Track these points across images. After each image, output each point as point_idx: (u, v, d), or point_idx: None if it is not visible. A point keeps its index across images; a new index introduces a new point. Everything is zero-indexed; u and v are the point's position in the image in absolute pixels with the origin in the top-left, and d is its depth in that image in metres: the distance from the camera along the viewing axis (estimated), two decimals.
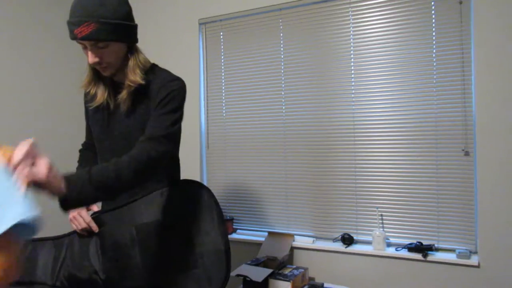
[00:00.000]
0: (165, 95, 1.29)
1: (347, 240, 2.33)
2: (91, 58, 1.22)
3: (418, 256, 2.13)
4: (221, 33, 2.79)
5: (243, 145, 2.72)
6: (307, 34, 2.50)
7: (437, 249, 2.17)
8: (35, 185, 0.93)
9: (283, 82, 2.58)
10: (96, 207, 1.38)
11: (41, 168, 0.91)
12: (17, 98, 2.77)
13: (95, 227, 1.34)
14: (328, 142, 2.45)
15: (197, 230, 1.38)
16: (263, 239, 2.53)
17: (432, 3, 2.16)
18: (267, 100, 2.64)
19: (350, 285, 2.33)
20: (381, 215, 2.31)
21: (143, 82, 1.29)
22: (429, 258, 2.11)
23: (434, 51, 2.16)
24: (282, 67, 2.58)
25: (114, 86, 1.37)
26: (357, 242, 2.37)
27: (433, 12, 2.17)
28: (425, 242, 2.18)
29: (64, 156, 3.03)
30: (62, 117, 3.06)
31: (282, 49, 2.58)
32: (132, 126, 1.33)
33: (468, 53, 2.09)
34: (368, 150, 2.34)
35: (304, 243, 2.44)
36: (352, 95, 2.37)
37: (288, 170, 2.57)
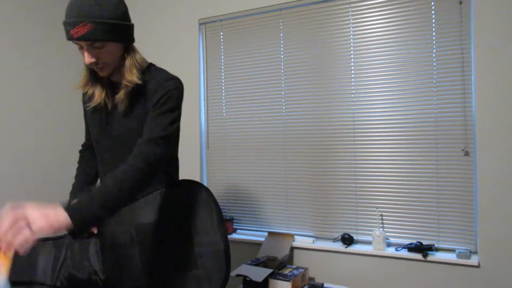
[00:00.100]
0: (162, 94, 1.29)
1: (347, 240, 2.34)
2: (88, 59, 1.22)
3: (418, 256, 2.13)
4: (221, 33, 2.79)
5: (243, 145, 2.72)
6: (307, 34, 2.50)
7: (437, 249, 2.17)
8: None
9: (283, 82, 2.58)
10: None
11: (36, 224, 0.93)
12: (17, 98, 2.77)
13: (93, 228, 1.34)
14: (328, 142, 2.45)
15: (196, 230, 1.38)
16: (263, 239, 2.53)
17: (432, 3, 2.16)
18: (267, 100, 2.64)
19: (350, 285, 2.33)
20: (381, 215, 2.31)
21: (140, 82, 1.29)
22: (429, 258, 2.11)
23: (434, 51, 2.16)
24: (282, 67, 2.58)
25: (111, 86, 1.37)
26: (357, 242, 2.37)
27: (433, 12, 2.16)
28: (425, 242, 2.18)
29: (64, 156, 3.03)
30: (63, 116, 3.06)
31: (282, 49, 2.58)
32: (130, 126, 1.33)
33: (468, 53, 2.09)
34: (368, 150, 2.34)
35: (304, 243, 2.44)
36: (352, 95, 2.37)
37: (288, 170, 2.57)
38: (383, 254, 2.23)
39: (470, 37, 2.08)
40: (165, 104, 1.29)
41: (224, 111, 2.80)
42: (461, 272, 2.06)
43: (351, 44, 2.37)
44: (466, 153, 2.10)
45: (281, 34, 2.58)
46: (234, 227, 2.75)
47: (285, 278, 2.09)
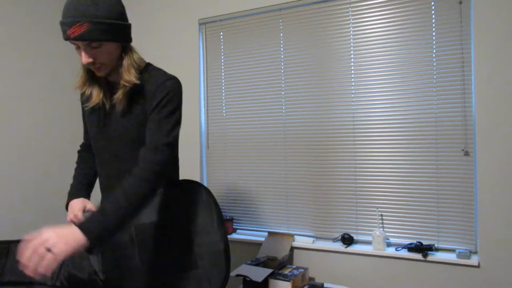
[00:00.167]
0: (162, 96, 1.29)
1: (347, 240, 2.34)
2: (85, 59, 1.21)
3: (418, 256, 2.13)
4: (221, 33, 2.79)
5: (243, 145, 2.72)
6: (307, 34, 2.50)
7: (437, 249, 2.17)
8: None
9: (283, 82, 2.58)
10: (94, 207, 1.38)
11: (57, 247, 0.97)
12: (17, 98, 2.77)
13: None
14: (328, 142, 2.45)
15: (196, 230, 1.38)
16: (263, 239, 2.53)
17: (432, 3, 2.16)
18: (267, 100, 2.64)
19: (350, 285, 2.33)
20: (381, 215, 2.31)
21: (138, 82, 1.29)
22: (429, 258, 2.11)
23: (434, 51, 2.16)
24: (282, 67, 2.58)
25: (109, 86, 1.36)
26: (357, 242, 2.37)
27: (433, 12, 2.16)
28: (425, 242, 2.18)
29: (64, 156, 3.03)
30: (62, 116, 3.06)
31: (282, 49, 2.58)
32: (128, 126, 1.33)
33: (468, 53, 2.09)
34: (368, 150, 2.34)
35: (304, 243, 2.44)
36: (352, 95, 2.37)
37: (288, 170, 2.57)
38: (383, 254, 2.23)
39: (470, 37, 2.08)
40: (166, 107, 1.29)
41: (224, 111, 2.80)
42: (461, 272, 2.06)
43: (351, 44, 2.37)
44: (466, 153, 2.10)
45: (281, 34, 2.58)
46: (234, 227, 2.75)
47: (285, 278, 2.09)
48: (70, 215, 1.35)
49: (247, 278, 2.05)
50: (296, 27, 2.53)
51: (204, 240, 1.36)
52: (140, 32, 3.07)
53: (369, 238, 2.33)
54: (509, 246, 1.97)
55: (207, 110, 2.86)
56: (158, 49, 3.01)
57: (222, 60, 2.79)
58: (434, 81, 2.17)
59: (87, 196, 1.46)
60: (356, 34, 2.35)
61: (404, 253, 2.18)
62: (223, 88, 2.80)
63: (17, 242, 1.40)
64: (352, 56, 2.37)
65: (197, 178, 2.85)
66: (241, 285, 2.15)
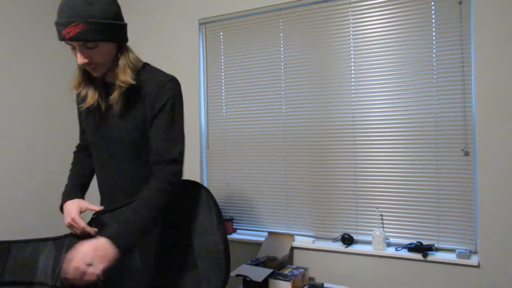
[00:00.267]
0: (165, 100, 1.29)
1: (347, 240, 2.34)
2: (80, 59, 1.20)
3: (418, 256, 2.13)
4: (221, 33, 2.79)
5: (243, 145, 2.72)
6: (307, 34, 2.50)
7: (437, 249, 2.17)
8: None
9: (283, 82, 2.58)
10: (97, 207, 1.37)
11: (97, 263, 1.07)
12: (17, 98, 2.77)
13: (92, 230, 1.33)
14: (328, 142, 2.45)
15: (196, 230, 1.37)
16: (263, 239, 2.53)
17: (432, 3, 2.16)
18: (267, 100, 2.64)
19: (350, 285, 2.33)
20: (381, 215, 2.31)
21: (133, 82, 1.27)
22: (429, 258, 2.11)
23: (434, 51, 2.16)
24: (282, 67, 2.58)
25: (105, 87, 1.35)
26: (357, 242, 2.37)
27: (433, 12, 2.16)
28: (425, 242, 2.18)
29: (64, 156, 3.03)
30: (63, 117, 3.06)
31: (282, 49, 2.58)
32: (127, 127, 1.32)
33: (468, 53, 2.09)
34: (368, 150, 2.34)
35: (304, 243, 2.44)
36: (352, 95, 2.37)
37: (288, 170, 2.57)
38: (383, 254, 2.23)
39: (470, 37, 2.08)
40: (171, 111, 1.29)
41: (224, 111, 2.80)
42: (461, 272, 2.06)
43: (351, 44, 2.37)
44: (466, 153, 2.10)
45: (281, 34, 2.58)
46: (234, 227, 2.75)
47: (285, 278, 2.09)
48: (68, 218, 1.34)
49: (247, 278, 2.05)
50: (296, 27, 2.53)
51: (204, 240, 1.36)
52: (140, 32, 3.07)
53: (369, 238, 2.33)
54: (509, 246, 1.97)
55: (207, 110, 2.86)
56: (158, 49, 3.01)
57: (222, 60, 2.79)
58: (434, 81, 2.17)
59: (82, 196, 1.46)
60: (356, 34, 2.35)
61: (404, 253, 2.18)
62: (223, 88, 2.80)
63: (17, 242, 1.39)
64: (352, 56, 2.37)
65: (197, 178, 2.85)
66: (241, 285, 2.15)
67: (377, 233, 2.24)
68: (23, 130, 2.79)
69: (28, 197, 2.81)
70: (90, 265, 1.06)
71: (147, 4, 3.07)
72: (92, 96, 1.33)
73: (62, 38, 1.16)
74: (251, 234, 2.65)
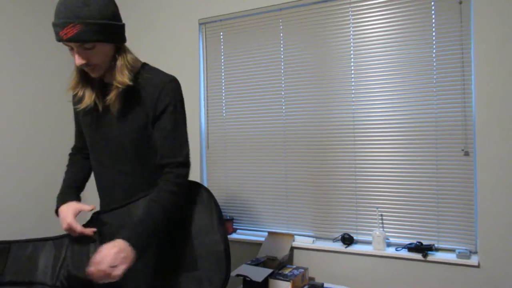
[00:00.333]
0: (167, 102, 1.29)
1: (347, 240, 2.33)
2: (78, 60, 1.19)
3: (418, 256, 2.13)
4: (221, 33, 2.79)
5: (243, 145, 2.72)
6: (307, 34, 2.50)
7: (437, 249, 2.17)
8: None
9: (283, 82, 2.58)
10: (89, 207, 1.36)
11: (121, 264, 1.12)
12: (17, 98, 2.77)
13: (89, 232, 1.32)
14: (328, 142, 2.45)
15: (196, 230, 1.37)
16: (263, 239, 2.53)
17: (432, 3, 2.16)
18: (267, 100, 2.64)
19: (350, 285, 2.33)
20: (381, 215, 2.31)
21: (130, 83, 1.27)
22: (429, 258, 2.11)
23: (434, 51, 2.16)
24: (282, 67, 2.58)
25: (103, 88, 1.34)
26: (357, 242, 2.37)
27: (433, 12, 2.16)
28: (425, 242, 2.18)
29: (64, 156, 3.03)
30: (63, 117, 3.06)
31: (282, 49, 2.58)
32: (126, 128, 1.31)
33: (468, 53, 2.09)
34: (368, 150, 2.34)
35: (304, 243, 2.44)
36: (352, 95, 2.37)
37: (288, 170, 2.57)
38: (383, 254, 2.23)
39: (470, 37, 2.08)
40: (174, 113, 1.30)
41: (224, 111, 2.80)
42: (461, 272, 2.06)
43: (351, 44, 2.37)
44: (466, 153, 2.10)
45: (281, 34, 2.58)
46: (234, 227, 2.75)
47: (285, 278, 2.09)
48: (64, 224, 1.32)
49: (247, 278, 2.05)
50: (296, 27, 2.53)
51: (204, 240, 1.36)
52: (140, 32, 3.07)
53: (369, 238, 2.33)
54: (509, 246, 1.97)
55: (207, 110, 2.86)
56: (158, 49, 3.01)
57: (222, 60, 2.79)
58: (434, 81, 2.17)
59: (77, 198, 1.44)
60: (356, 34, 2.35)
61: (404, 253, 2.18)
62: (223, 88, 2.80)
63: (17, 242, 1.39)
64: (352, 56, 2.37)
65: (197, 178, 2.85)
66: (241, 285, 2.15)
67: (377, 233, 2.24)
68: (23, 130, 2.79)
69: (28, 197, 2.81)
70: (114, 267, 1.11)
71: (147, 4, 3.07)
72: (89, 97, 1.33)
73: (59, 39, 1.16)
74: (251, 234, 2.65)
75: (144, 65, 1.37)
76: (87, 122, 1.39)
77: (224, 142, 2.79)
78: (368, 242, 2.33)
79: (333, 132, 2.43)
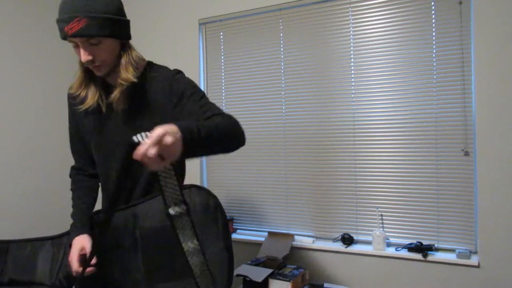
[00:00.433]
0: (182, 88, 1.26)
1: (347, 240, 2.33)
2: (84, 56, 1.16)
3: (418, 256, 2.13)
4: (221, 33, 2.79)
5: None
6: (307, 34, 2.50)
7: (437, 249, 2.17)
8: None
9: (283, 82, 2.58)
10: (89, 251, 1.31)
11: (176, 148, 0.90)
12: (17, 98, 2.77)
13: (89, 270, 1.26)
14: (328, 142, 2.44)
15: (202, 238, 1.36)
16: (263, 239, 2.53)
17: (432, 3, 2.16)
18: (267, 100, 2.64)
19: (350, 285, 2.33)
20: (381, 215, 2.30)
21: (135, 80, 1.24)
22: (429, 258, 2.11)
23: (434, 51, 2.16)
24: (282, 67, 2.58)
25: (106, 88, 1.32)
26: (357, 242, 2.37)
27: (433, 12, 2.16)
28: (425, 242, 2.18)
29: (64, 156, 3.03)
30: (63, 117, 3.06)
31: (282, 49, 2.58)
32: (134, 131, 1.30)
33: (468, 53, 2.08)
34: (368, 150, 2.33)
35: (304, 243, 2.44)
36: (352, 95, 2.37)
37: (288, 170, 2.57)
38: (383, 254, 2.23)
39: (470, 37, 2.07)
40: (194, 93, 1.25)
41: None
42: (461, 272, 2.06)
43: (351, 44, 2.37)
44: (466, 153, 2.10)
45: (281, 34, 2.58)
46: (234, 227, 2.75)
47: (285, 278, 2.09)
48: (69, 258, 1.28)
49: (247, 278, 2.05)
50: (296, 27, 2.53)
51: (208, 247, 1.35)
52: (140, 32, 3.07)
53: (369, 238, 2.32)
54: (509, 246, 1.96)
55: None
56: (158, 49, 3.01)
57: (222, 60, 2.79)
58: (434, 81, 2.17)
59: (89, 231, 1.35)
60: (356, 34, 2.35)
61: (404, 253, 2.18)
62: (223, 88, 2.80)
63: (16, 241, 1.39)
64: (352, 56, 2.37)
65: (197, 178, 2.85)
66: (241, 285, 2.15)
67: (377, 233, 2.24)
68: (23, 130, 2.80)
69: (28, 197, 2.81)
70: (161, 156, 0.89)
71: (147, 4, 3.07)
72: (92, 97, 1.29)
73: (64, 35, 1.14)
74: (251, 234, 2.65)
75: (150, 63, 1.36)
76: (89, 124, 1.35)
77: None
78: (368, 242, 2.33)
79: (333, 132, 2.43)
